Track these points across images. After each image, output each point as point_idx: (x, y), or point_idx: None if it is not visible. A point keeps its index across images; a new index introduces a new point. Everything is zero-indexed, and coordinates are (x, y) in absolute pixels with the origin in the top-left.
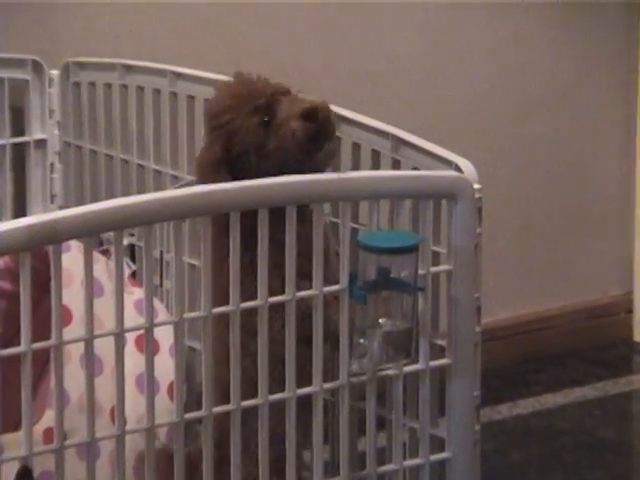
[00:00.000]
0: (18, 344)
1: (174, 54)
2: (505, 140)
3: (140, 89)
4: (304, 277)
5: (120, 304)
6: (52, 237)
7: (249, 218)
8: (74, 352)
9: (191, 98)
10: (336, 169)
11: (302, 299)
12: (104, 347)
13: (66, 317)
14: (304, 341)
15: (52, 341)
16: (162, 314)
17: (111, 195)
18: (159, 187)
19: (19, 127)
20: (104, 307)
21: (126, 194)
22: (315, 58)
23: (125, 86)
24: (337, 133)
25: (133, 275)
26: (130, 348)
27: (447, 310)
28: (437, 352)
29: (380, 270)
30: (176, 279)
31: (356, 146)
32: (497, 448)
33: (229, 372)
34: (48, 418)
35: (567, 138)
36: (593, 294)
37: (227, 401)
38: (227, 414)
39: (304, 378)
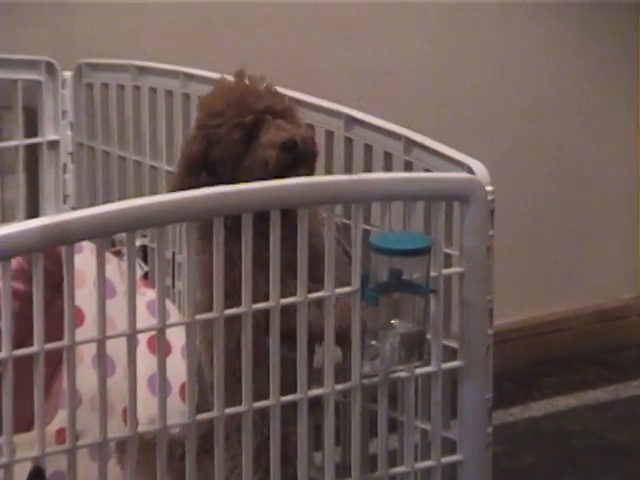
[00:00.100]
0: (31, 345)
1: (187, 55)
2: (516, 142)
3: (153, 90)
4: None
5: (132, 305)
6: (65, 238)
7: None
8: (86, 353)
9: None
10: (348, 171)
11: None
12: (116, 348)
13: (78, 318)
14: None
15: (64, 342)
16: (174, 315)
17: (124, 196)
18: None
19: (32, 128)
20: (116, 308)
21: (139, 195)
22: (327, 60)
23: (138, 87)
24: (349, 135)
25: (145, 276)
26: (142, 349)
27: (459, 312)
28: (449, 354)
29: (392, 272)
30: (188, 280)
31: (368, 148)
32: (509, 451)
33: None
34: (60, 418)
35: (578, 139)
36: (604, 297)
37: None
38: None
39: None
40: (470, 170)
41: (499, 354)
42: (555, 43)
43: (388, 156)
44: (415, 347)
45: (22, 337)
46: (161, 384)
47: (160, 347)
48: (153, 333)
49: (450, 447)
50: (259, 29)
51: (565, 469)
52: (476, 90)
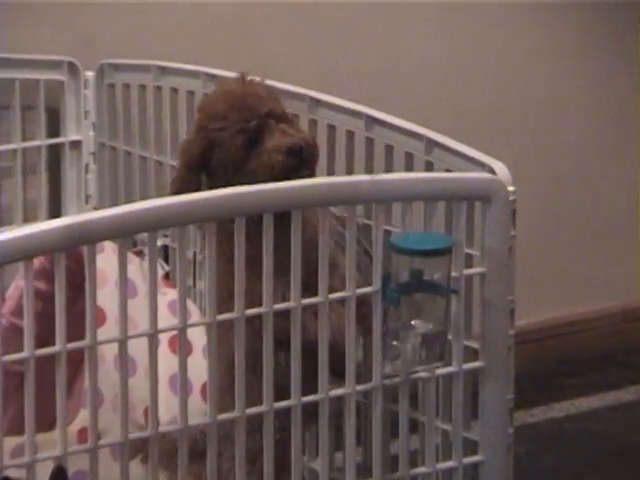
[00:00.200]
0: (53, 344)
1: (208, 56)
2: (537, 142)
3: (174, 91)
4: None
5: (154, 305)
6: (87, 238)
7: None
8: (108, 352)
9: None
10: (369, 172)
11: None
12: (138, 348)
13: (100, 318)
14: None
15: (86, 341)
16: (195, 315)
17: (145, 196)
18: None
19: (54, 128)
20: (138, 308)
21: (160, 195)
22: (348, 60)
23: (159, 88)
24: (370, 135)
25: (167, 276)
26: (163, 349)
27: (480, 313)
28: (470, 355)
29: (413, 272)
30: (209, 280)
31: (389, 148)
32: (530, 452)
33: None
34: (82, 418)
35: (598, 140)
36: (626, 297)
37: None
38: None
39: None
40: (491, 170)
41: (521, 355)
42: (579, 44)
43: (409, 156)
44: (436, 347)
45: (44, 337)
46: (182, 384)
47: (181, 347)
48: (174, 333)
49: (471, 448)
50: (281, 29)
51: (587, 470)
52: (496, 90)
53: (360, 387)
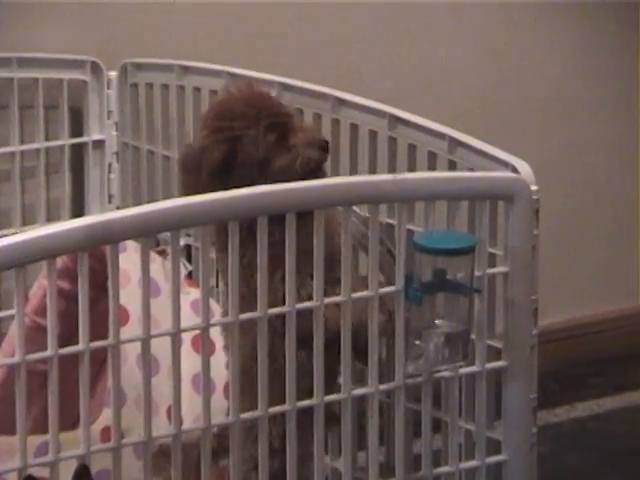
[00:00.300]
0: (76, 343)
1: (231, 55)
2: (560, 141)
3: (197, 90)
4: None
5: (177, 304)
6: (109, 237)
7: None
8: (131, 352)
9: None
10: (392, 171)
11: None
12: (160, 347)
13: (123, 317)
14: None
15: (109, 340)
16: (218, 314)
17: (168, 195)
18: None
19: (77, 128)
20: (160, 307)
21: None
22: (370, 60)
23: (182, 87)
24: (393, 134)
25: (189, 275)
26: (186, 348)
27: (503, 312)
28: (493, 354)
29: (436, 271)
30: (232, 279)
31: (412, 147)
32: (554, 451)
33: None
34: (105, 417)
35: (622, 140)
36: None
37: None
38: None
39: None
40: (515, 169)
41: (544, 354)
42: (601, 46)
43: (432, 155)
44: (459, 347)
45: (67, 336)
46: (205, 383)
47: (204, 346)
48: (197, 332)
49: (494, 447)
50: (304, 29)
51: (610, 470)
52: (519, 89)
53: (383, 386)
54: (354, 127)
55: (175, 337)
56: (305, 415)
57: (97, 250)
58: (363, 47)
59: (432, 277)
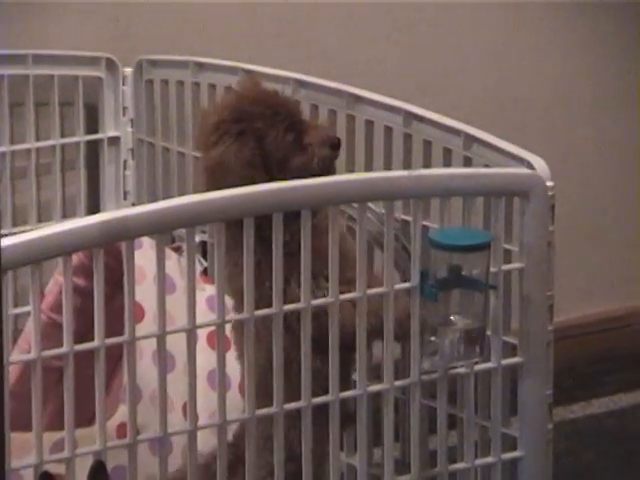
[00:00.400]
0: (91, 340)
1: (246, 52)
2: (576, 138)
3: (212, 87)
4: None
5: (192, 301)
6: (125, 234)
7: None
8: (146, 348)
9: None
10: (407, 167)
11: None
12: (176, 343)
13: (138, 313)
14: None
15: (125, 337)
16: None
17: (183, 192)
18: None
19: (93, 124)
20: (176, 304)
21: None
22: (386, 57)
23: (197, 84)
24: (408, 130)
25: (205, 272)
26: (202, 344)
27: (519, 308)
28: (509, 350)
29: (451, 268)
30: (247, 276)
31: (427, 144)
32: (570, 448)
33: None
34: (121, 413)
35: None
36: None
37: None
38: None
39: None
40: (530, 166)
41: (560, 351)
42: (618, 42)
43: (447, 152)
44: (475, 343)
45: (83, 332)
46: (220, 379)
47: (219, 342)
48: (213, 328)
49: (510, 443)
50: (318, 25)
51: (626, 467)
52: (534, 86)
53: (398, 383)
54: (369, 123)
55: (190, 333)
56: (320, 417)
57: (113, 247)
58: (378, 44)
59: (447, 273)
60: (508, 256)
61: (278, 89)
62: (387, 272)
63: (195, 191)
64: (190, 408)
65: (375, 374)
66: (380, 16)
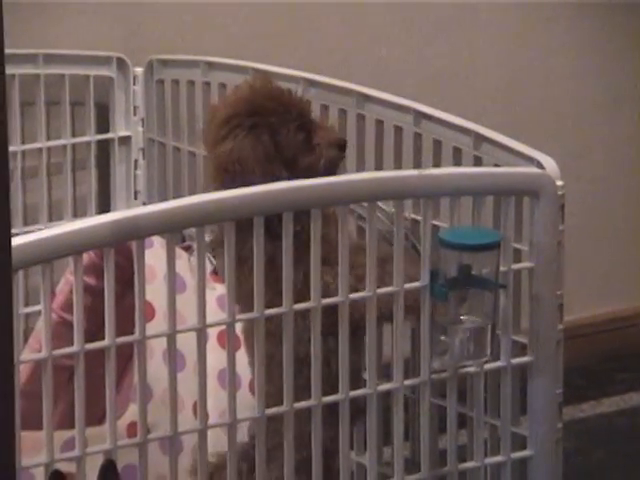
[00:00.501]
0: (102, 339)
1: (256, 51)
2: (586, 138)
3: (222, 86)
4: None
5: (202, 300)
6: (135, 233)
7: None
8: (157, 347)
9: None
10: (417, 166)
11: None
12: (186, 342)
13: (149, 313)
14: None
15: (135, 336)
16: None
17: (194, 191)
18: None
19: (104, 124)
20: (186, 303)
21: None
22: (396, 56)
23: (208, 83)
24: (418, 130)
25: (215, 271)
26: (212, 343)
27: (529, 307)
28: (519, 349)
29: (461, 267)
30: (257, 275)
31: (437, 143)
32: (580, 447)
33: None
34: (132, 412)
35: None
36: None
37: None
38: None
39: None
40: (540, 165)
41: (570, 350)
42: (630, 42)
43: (457, 151)
44: (484, 342)
45: (93, 331)
46: (231, 378)
47: (230, 341)
48: (223, 328)
49: (520, 442)
50: (328, 25)
51: (637, 466)
52: (545, 85)
53: (408, 382)
54: (379, 123)
55: (201, 332)
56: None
57: (123, 246)
58: (388, 43)
59: (457, 273)
60: (518, 255)
61: (289, 88)
62: (397, 271)
63: (204, 190)
64: (200, 407)
65: (385, 373)
66: (390, 15)
